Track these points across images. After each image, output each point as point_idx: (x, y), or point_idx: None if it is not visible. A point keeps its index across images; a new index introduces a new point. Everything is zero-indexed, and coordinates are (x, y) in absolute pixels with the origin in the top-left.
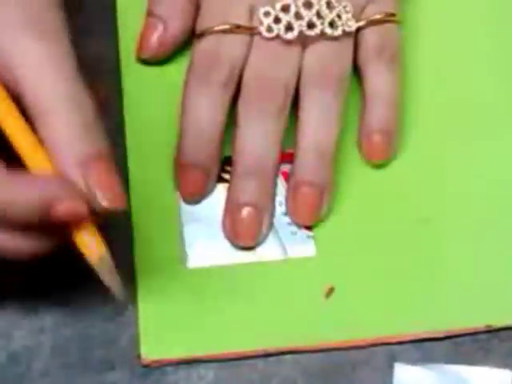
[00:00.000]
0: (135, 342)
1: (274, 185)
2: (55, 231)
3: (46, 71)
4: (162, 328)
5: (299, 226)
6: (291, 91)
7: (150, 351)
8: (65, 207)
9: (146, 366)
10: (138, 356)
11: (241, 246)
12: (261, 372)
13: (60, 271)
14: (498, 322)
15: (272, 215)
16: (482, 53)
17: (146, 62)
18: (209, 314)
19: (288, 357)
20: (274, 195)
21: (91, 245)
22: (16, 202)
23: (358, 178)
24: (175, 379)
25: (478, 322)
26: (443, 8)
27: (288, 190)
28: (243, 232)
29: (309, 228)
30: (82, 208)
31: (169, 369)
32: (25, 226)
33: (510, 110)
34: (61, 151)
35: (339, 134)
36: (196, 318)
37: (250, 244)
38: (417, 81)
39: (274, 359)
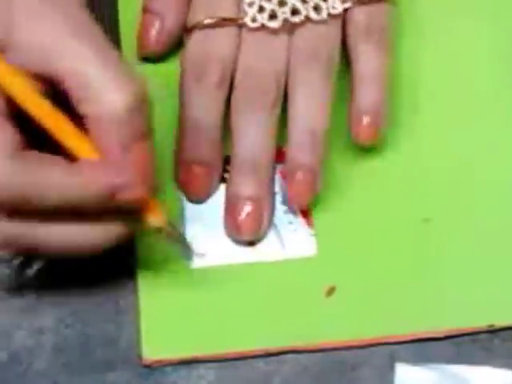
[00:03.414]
0: (136, 342)
1: (273, 177)
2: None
3: (91, 63)
4: (162, 328)
5: (295, 211)
6: (282, 82)
7: (150, 351)
8: (128, 192)
9: (146, 366)
10: (139, 356)
11: (243, 240)
12: (261, 372)
13: (60, 271)
14: (501, 321)
15: (272, 208)
16: (483, 47)
17: (147, 59)
18: (209, 314)
19: (288, 357)
20: (272, 187)
21: (156, 213)
22: (86, 189)
23: (359, 178)
24: (175, 379)
25: (480, 322)
26: None
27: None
28: (244, 226)
29: (310, 227)
30: (142, 190)
31: (169, 369)
32: (92, 213)
33: None
34: (110, 136)
35: (330, 114)
36: (196, 318)
37: (252, 238)
38: (420, 75)
39: (275, 359)
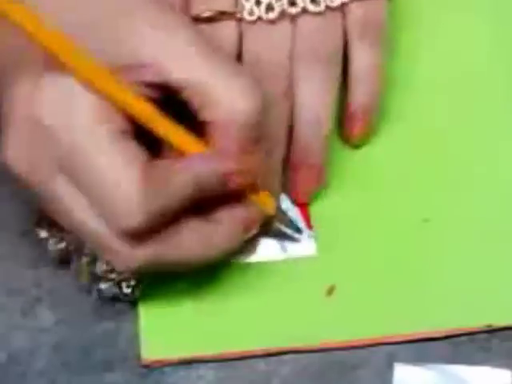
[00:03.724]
0: (135, 342)
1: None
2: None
3: (215, 71)
4: (161, 328)
5: (297, 203)
6: (289, 73)
7: (149, 351)
8: (238, 178)
9: (145, 366)
10: (138, 356)
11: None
12: (261, 372)
13: (60, 271)
14: (499, 321)
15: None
16: (482, 41)
17: None
18: (209, 314)
19: (288, 357)
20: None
21: (265, 200)
22: (212, 174)
23: (359, 178)
24: (175, 379)
25: (479, 322)
26: None
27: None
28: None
29: (310, 228)
30: (250, 177)
31: (168, 369)
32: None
33: None
34: (233, 141)
35: (334, 110)
36: (196, 318)
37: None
38: (419, 74)
39: (275, 359)
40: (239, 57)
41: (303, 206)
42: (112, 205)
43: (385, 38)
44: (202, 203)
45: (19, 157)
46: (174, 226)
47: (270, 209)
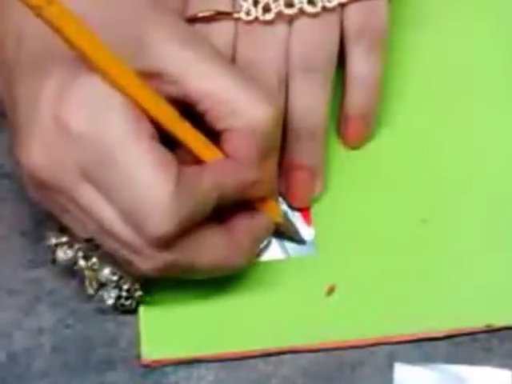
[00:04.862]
0: (135, 342)
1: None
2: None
3: (230, 81)
4: (162, 328)
5: (293, 208)
6: (283, 74)
7: (150, 351)
8: (255, 189)
9: (146, 366)
10: (138, 356)
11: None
12: (261, 372)
13: (60, 271)
14: (499, 321)
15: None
16: (483, 41)
17: None
18: (209, 314)
19: (288, 357)
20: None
21: (272, 208)
22: (235, 183)
23: (359, 178)
24: (175, 379)
25: (479, 322)
26: None
27: (281, 174)
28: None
29: (310, 227)
30: (266, 187)
31: (169, 369)
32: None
33: None
34: (251, 149)
35: (328, 113)
36: (196, 318)
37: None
38: (417, 75)
39: (274, 359)
40: (233, 57)
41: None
42: (144, 210)
43: (384, 39)
44: (219, 212)
45: (43, 161)
46: (198, 233)
47: (277, 217)
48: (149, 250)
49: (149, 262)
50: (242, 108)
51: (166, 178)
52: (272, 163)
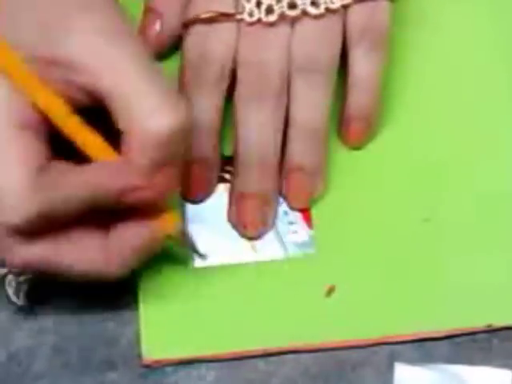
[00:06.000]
0: (136, 341)
1: (278, 173)
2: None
3: (138, 83)
4: (162, 328)
5: (294, 209)
6: (285, 73)
7: (150, 351)
8: (134, 195)
9: (146, 366)
10: (139, 356)
11: (247, 236)
12: (261, 372)
13: None
14: (499, 321)
15: (276, 203)
16: (484, 45)
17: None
18: (209, 314)
19: (288, 357)
20: (277, 183)
21: (163, 218)
22: (102, 188)
23: (359, 178)
24: (175, 379)
25: (479, 322)
26: None
27: (281, 175)
28: (249, 222)
29: (310, 227)
30: (148, 194)
31: (169, 369)
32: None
33: None
34: (145, 156)
35: (329, 115)
36: (196, 318)
37: (255, 234)
38: (418, 74)
39: (275, 359)
40: (235, 59)
41: None
42: (0, 196)
43: (386, 40)
44: (105, 214)
45: None
46: (71, 232)
47: (171, 229)
48: (10, 240)
49: (16, 254)
50: (140, 114)
51: (26, 167)
52: (170, 172)
